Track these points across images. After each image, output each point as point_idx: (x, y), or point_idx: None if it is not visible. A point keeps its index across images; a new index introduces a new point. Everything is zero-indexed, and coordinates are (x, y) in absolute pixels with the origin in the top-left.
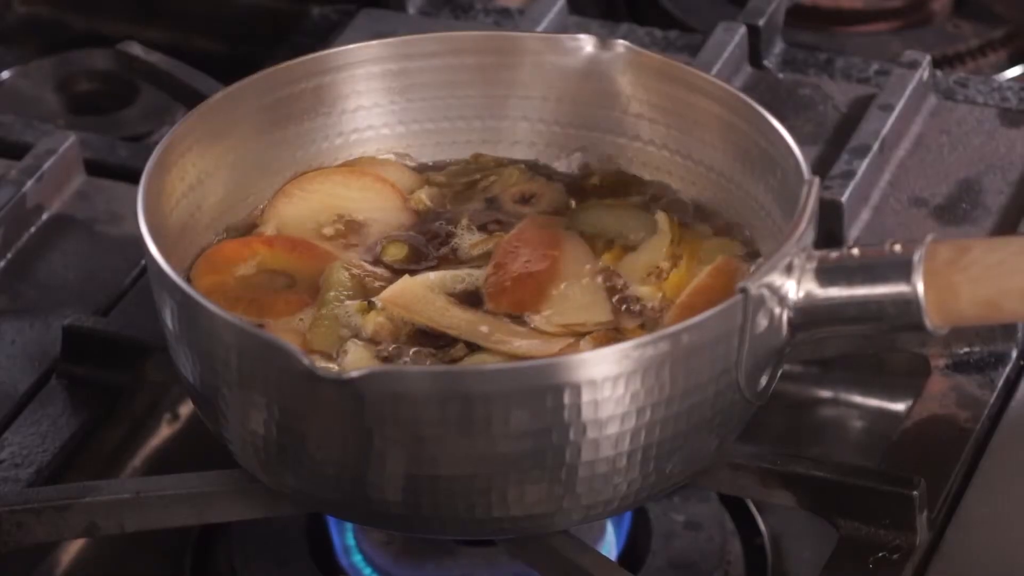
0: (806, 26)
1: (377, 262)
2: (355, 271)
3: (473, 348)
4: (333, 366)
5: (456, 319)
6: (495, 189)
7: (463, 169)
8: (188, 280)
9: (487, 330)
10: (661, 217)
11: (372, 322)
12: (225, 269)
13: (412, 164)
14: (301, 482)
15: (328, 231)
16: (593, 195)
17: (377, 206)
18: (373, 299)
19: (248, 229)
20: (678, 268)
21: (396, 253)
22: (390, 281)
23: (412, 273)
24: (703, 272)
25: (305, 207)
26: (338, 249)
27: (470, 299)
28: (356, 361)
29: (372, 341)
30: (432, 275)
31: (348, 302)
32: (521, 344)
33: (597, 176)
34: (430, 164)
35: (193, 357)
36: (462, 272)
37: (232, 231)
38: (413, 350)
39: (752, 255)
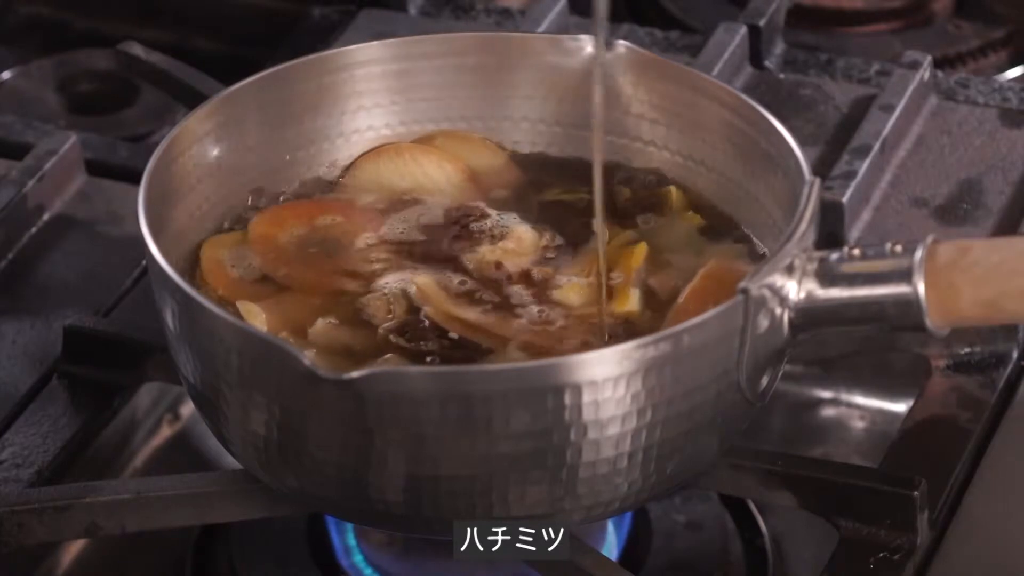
0: (807, 26)
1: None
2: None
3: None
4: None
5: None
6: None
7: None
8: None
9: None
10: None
11: (376, 300)
12: (284, 225)
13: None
14: (301, 482)
15: (392, 203)
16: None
17: (441, 187)
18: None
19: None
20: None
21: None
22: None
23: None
24: (695, 277)
25: (378, 176)
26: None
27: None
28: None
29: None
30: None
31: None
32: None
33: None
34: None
35: (193, 357)
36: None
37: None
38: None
39: (752, 255)
